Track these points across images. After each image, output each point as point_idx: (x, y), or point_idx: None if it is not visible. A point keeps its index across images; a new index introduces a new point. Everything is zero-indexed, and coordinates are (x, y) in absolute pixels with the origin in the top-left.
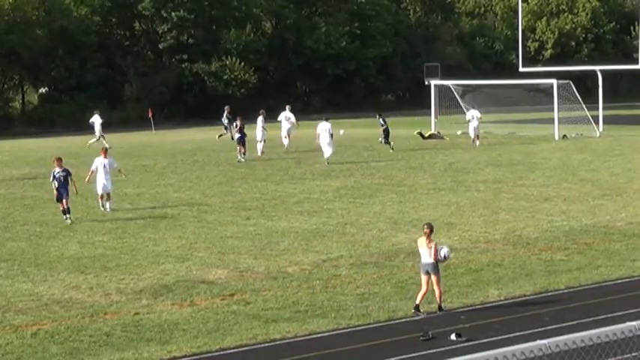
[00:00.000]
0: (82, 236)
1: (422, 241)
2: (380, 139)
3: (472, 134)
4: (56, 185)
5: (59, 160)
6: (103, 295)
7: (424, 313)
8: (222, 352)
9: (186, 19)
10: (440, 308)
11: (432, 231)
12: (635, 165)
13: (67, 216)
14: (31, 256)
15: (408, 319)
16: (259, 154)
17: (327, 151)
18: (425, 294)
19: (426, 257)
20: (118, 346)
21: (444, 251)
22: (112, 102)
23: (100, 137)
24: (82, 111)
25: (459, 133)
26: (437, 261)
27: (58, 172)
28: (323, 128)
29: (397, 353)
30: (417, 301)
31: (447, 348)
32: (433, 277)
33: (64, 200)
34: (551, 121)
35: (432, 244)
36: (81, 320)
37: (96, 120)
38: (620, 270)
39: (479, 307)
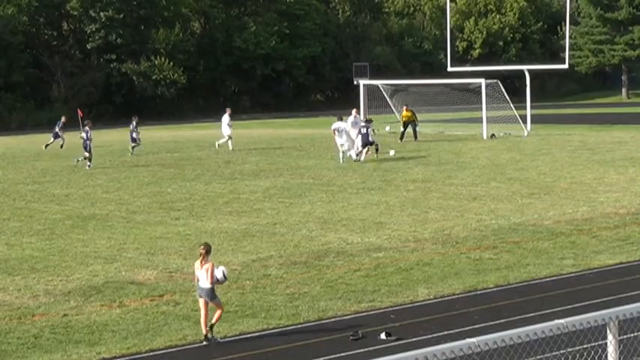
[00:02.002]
0: (10, 238)
1: (198, 264)
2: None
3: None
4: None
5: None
6: (31, 297)
7: (215, 338)
8: (151, 353)
9: (115, 19)
10: (209, 331)
11: (207, 252)
12: (562, 164)
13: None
14: None
15: (337, 319)
16: (230, 149)
17: (350, 149)
18: (207, 318)
19: (203, 281)
20: (47, 348)
21: (219, 272)
22: (40, 102)
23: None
24: (9, 111)
25: (387, 129)
26: (213, 284)
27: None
28: (339, 127)
29: (327, 353)
30: (204, 330)
31: (377, 347)
32: (210, 304)
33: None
34: (479, 120)
35: (208, 267)
36: (9, 322)
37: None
38: (548, 268)
39: (408, 306)
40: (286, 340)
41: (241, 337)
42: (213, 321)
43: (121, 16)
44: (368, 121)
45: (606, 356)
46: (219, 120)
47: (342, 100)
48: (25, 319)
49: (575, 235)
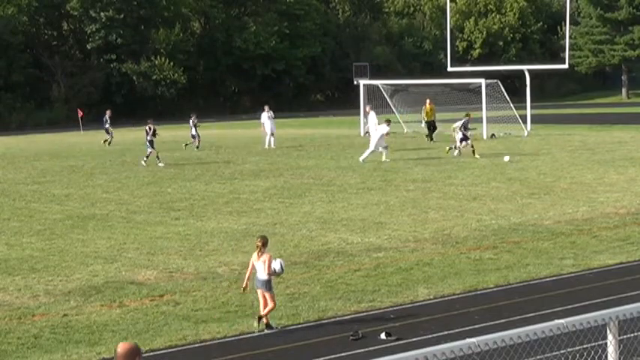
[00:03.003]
0: (10, 238)
1: (255, 256)
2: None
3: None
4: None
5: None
6: (31, 297)
7: (278, 328)
8: (151, 353)
9: (115, 19)
10: (259, 318)
11: (264, 244)
12: (562, 164)
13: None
14: None
15: (337, 319)
16: (272, 146)
17: (370, 148)
18: (265, 306)
19: (260, 272)
20: (47, 348)
21: (276, 264)
22: (40, 102)
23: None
24: (9, 111)
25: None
26: (270, 275)
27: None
28: (377, 124)
29: (327, 353)
30: (265, 320)
31: (377, 347)
32: (266, 294)
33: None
34: (479, 120)
35: (266, 258)
36: (9, 322)
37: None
38: (548, 268)
39: (408, 306)
40: (286, 340)
41: (241, 337)
42: (263, 313)
43: (121, 16)
44: (388, 122)
45: (606, 356)
46: (219, 120)
47: (341, 101)
48: (25, 319)
49: (575, 235)
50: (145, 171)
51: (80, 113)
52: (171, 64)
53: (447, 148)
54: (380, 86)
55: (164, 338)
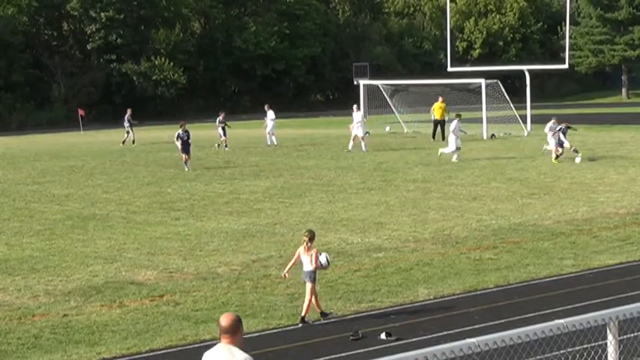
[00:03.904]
0: (10, 238)
1: (302, 250)
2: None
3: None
4: (180, 143)
5: (183, 124)
6: (31, 297)
7: (333, 313)
8: (152, 354)
9: (115, 20)
10: (303, 320)
11: (311, 239)
12: (562, 164)
13: (187, 166)
14: None
15: (337, 319)
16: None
17: (451, 147)
18: (317, 299)
19: (307, 265)
20: (47, 348)
21: (322, 258)
22: (40, 102)
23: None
24: (9, 111)
25: (387, 130)
26: (317, 268)
27: (182, 133)
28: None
29: (327, 353)
30: (319, 309)
31: (377, 347)
32: (307, 285)
33: (184, 155)
34: (479, 120)
35: (312, 252)
36: (9, 322)
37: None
38: (548, 268)
39: (408, 306)
40: (286, 340)
41: None
42: (303, 313)
43: (122, 16)
44: (458, 116)
45: (606, 356)
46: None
47: (342, 101)
48: (25, 319)
49: (575, 235)
50: (145, 171)
51: (81, 112)
52: (171, 64)
53: (554, 157)
54: (380, 86)
55: (164, 338)
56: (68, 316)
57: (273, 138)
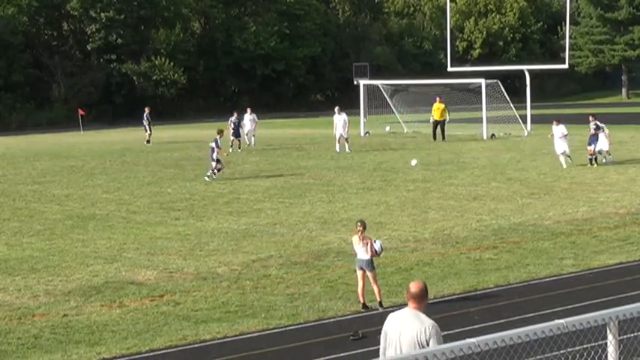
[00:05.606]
0: (10, 238)
1: (356, 239)
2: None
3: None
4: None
5: (221, 131)
6: (31, 297)
7: (372, 307)
8: (152, 353)
9: (115, 20)
10: (380, 304)
11: (364, 228)
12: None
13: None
14: None
15: (337, 319)
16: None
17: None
18: (364, 288)
19: (362, 254)
20: (47, 348)
21: (377, 245)
22: (40, 102)
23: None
24: (9, 111)
25: (387, 129)
26: (372, 256)
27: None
28: (558, 131)
29: (327, 353)
30: (361, 300)
31: (377, 347)
32: (369, 274)
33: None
34: (479, 120)
35: (367, 241)
36: (9, 322)
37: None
38: (548, 268)
39: None
40: (286, 340)
41: (241, 337)
42: (378, 298)
43: (122, 16)
44: (557, 122)
45: (606, 356)
46: (219, 120)
47: (342, 101)
48: (25, 319)
49: (575, 235)
50: (145, 171)
51: (81, 112)
52: (172, 64)
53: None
54: (380, 86)
55: (164, 338)
56: (68, 316)
57: (252, 138)
